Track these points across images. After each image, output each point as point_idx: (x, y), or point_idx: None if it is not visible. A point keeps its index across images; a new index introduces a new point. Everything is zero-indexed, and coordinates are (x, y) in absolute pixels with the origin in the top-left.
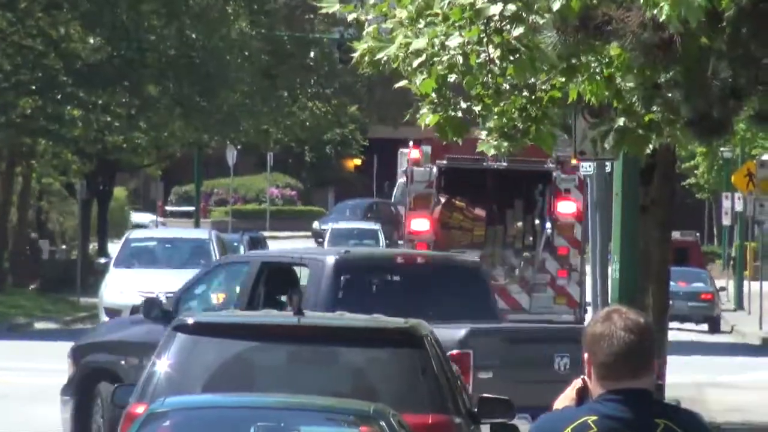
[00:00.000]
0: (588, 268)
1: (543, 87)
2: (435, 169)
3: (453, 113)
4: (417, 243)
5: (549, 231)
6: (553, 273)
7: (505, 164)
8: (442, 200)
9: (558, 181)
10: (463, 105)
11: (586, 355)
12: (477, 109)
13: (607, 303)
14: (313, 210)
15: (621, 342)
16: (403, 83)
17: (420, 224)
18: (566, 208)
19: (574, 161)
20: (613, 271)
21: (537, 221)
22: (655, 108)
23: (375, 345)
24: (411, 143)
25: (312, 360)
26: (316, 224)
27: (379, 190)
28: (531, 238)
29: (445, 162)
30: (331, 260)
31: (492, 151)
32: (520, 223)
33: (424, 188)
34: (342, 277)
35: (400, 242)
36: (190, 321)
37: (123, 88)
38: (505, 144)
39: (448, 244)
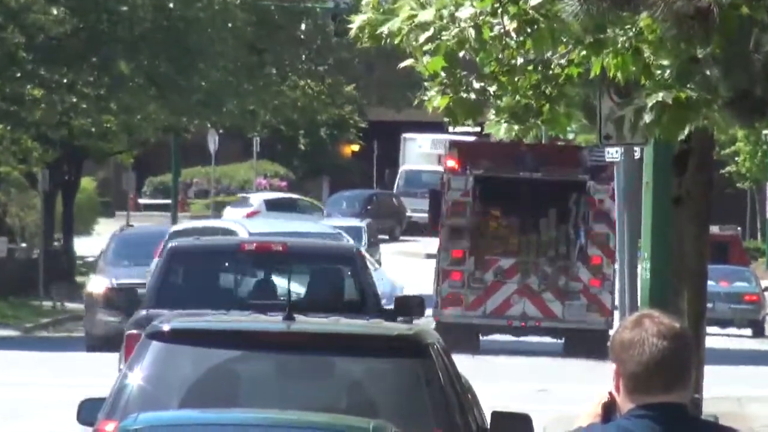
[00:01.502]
0: (615, 267)
1: (560, 62)
2: (471, 179)
3: (464, 95)
4: (452, 250)
5: (583, 240)
6: (585, 282)
7: (539, 174)
8: (478, 208)
9: (592, 191)
10: (476, 85)
11: (613, 366)
12: (491, 89)
13: (637, 307)
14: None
15: (653, 350)
16: (407, 62)
17: (455, 232)
18: (600, 217)
19: (608, 160)
20: (643, 270)
21: (571, 230)
22: (690, 86)
23: (375, 354)
24: (444, 148)
25: (304, 371)
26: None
27: (380, 180)
28: (564, 247)
29: (481, 171)
30: (168, 246)
31: (501, 134)
32: (554, 232)
33: (460, 196)
34: (176, 265)
35: (412, 240)
36: (166, 327)
37: (90, 65)
38: (516, 127)
39: (483, 250)
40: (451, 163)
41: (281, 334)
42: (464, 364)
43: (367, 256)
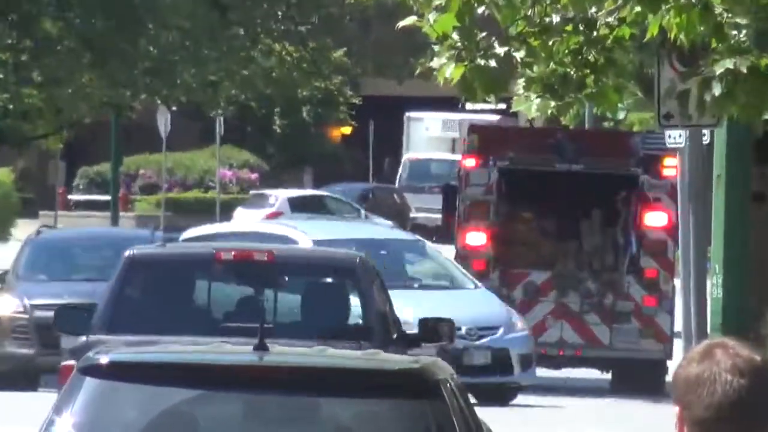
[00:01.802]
0: (677, 284)
1: (608, 21)
2: (495, 171)
3: (483, 62)
4: (473, 260)
5: (634, 249)
6: (638, 300)
7: (581, 166)
8: (503, 209)
9: (646, 187)
10: (499, 50)
11: (677, 409)
12: (518, 55)
13: (706, 334)
14: None
15: (728, 389)
16: (411, 20)
17: (475, 238)
18: (656, 220)
19: (669, 146)
20: (713, 287)
21: (619, 236)
22: None
23: (371, 393)
24: (459, 131)
25: (279, 415)
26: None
27: (378, 171)
28: (612, 257)
29: (507, 163)
30: (126, 254)
31: (533, 112)
32: (598, 239)
33: (482, 194)
34: (135, 278)
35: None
36: (104, 360)
37: (7, 24)
38: (552, 103)
39: (510, 261)
40: (471, 163)
41: (251, 369)
42: (486, 406)
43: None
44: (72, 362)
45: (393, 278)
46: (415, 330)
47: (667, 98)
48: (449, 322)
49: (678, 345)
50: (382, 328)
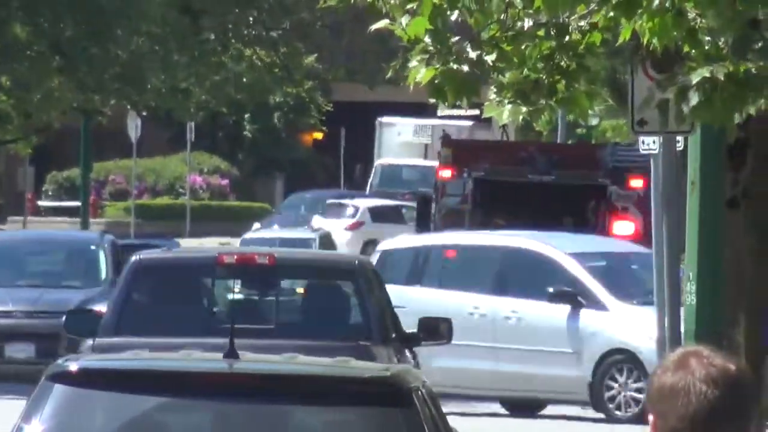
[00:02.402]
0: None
1: (579, 26)
2: (470, 182)
3: (455, 66)
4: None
5: None
6: None
7: (552, 177)
8: (478, 218)
9: (614, 197)
10: (471, 54)
11: (651, 417)
12: (490, 59)
13: (680, 342)
14: (253, 206)
15: (701, 400)
16: (383, 23)
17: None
18: (624, 228)
19: (643, 152)
20: (687, 294)
21: None
22: (748, 57)
23: (342, 402)
24: (431, 137)
25: (249, 423)
26: (256, 226)
27: (349, 177)
28: None
29: (482, 174)
30: (133, 259)
31: (505, 118)
32: None
33: (458, 203)
34: (140, 283)
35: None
36: (73, 367)
37: None
38: (523, 109)
39: None
40: (447, 174)
41: (220, 376)
42: (458, 419)
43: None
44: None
45: (644, 294)
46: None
47: (645, 107)
48: (448, 321)
49: (654, 353)
50: (381, 328)
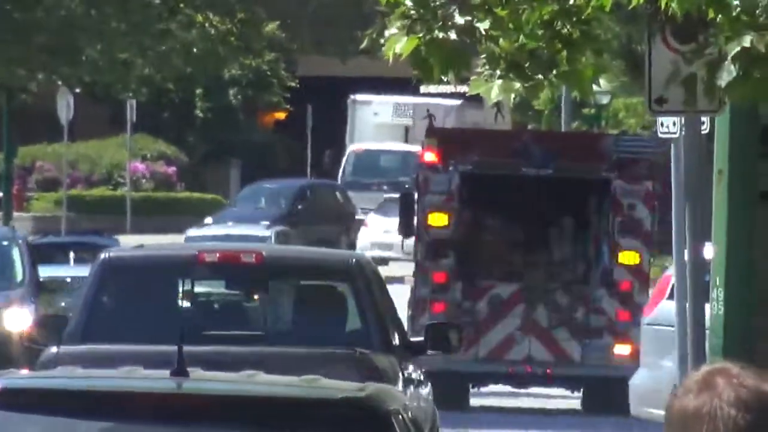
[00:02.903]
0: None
1: None
2: (457, 176)
3: (441, 34)
4: (433, 272)
5: (607, 259)
6: (611, 315)
7: (549, 170)
8: (466, 217)
9: (619, 193)
10: (459, 20)
11: None
12: (481, 26)
13: (705, 357)
14: (204, 198)
15: (731, 426)
16: None
17: (437, 250)
18: (630, 228)
19: (662, 135)
20: (713, 302)
21: (591, 246)
22: None
23: (310, 428)
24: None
25: None
26: (208, 221)
27: (317, 164)
28: (583, 269)
29: (470, 167)
30: (101, 257)
31: (494, 96)
32: (568, 249)
33: (442, 201)
34: (110, 283)
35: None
36: None
37: None
38: (517, 85)
39: (474, 273)
40: (430, 157)
41: (167, 398)
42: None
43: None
44: None
45: None
46: None
47: (662, 81)
48: (457, 327)
49: (674, 371)
50: (382, 334)
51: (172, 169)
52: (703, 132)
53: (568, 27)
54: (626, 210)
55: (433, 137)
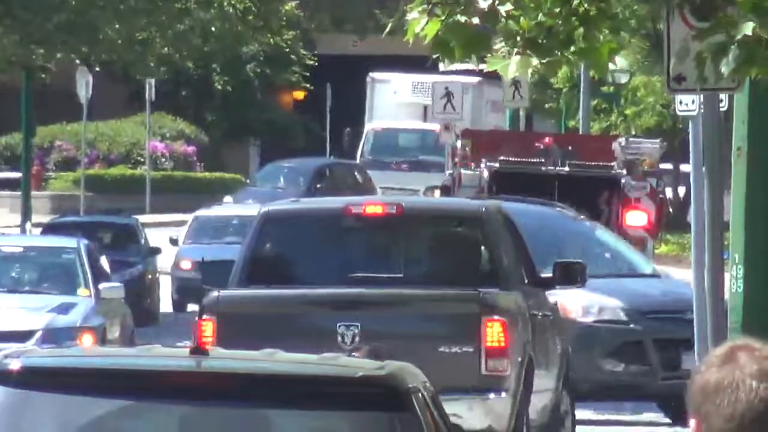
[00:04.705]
0: (685, 275)
1: None
2: (486, 173)
3: (462, 18)
4: None
5: None
6: None
7: (566, 169)
8: None
9: (627, 189)
10: (482, 3)
11: (692, 423)
12: (503, 9)
13: (725, 335)
14: (224, 177)
15: (752, 397)
16: None
17: None
18: (636, 219)
19: (680, 113)
20: (732, 279)
21: None
22: None
23: (329, 405)
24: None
25: (220, 430)
26: (228, 200)
27: (336, 143)
28: None
29: (497, 165)
30: (262, 210)
31: (512, 72)
32: None
33: (474, 195)
34: (270, 233)
35: None
36: (14, 365)
37: None
38: (534, 61)
39: None
40: (464, 155)
41: (187, 376)
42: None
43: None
44: (207, 317)
45: None
46: None
47: (680, 58)
48: (582, 264)
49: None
50: (508, 274)
51: (191, 148)
52: (721, 110)
53: (586, 4)
54: (633, 203)
55: (467, 138)
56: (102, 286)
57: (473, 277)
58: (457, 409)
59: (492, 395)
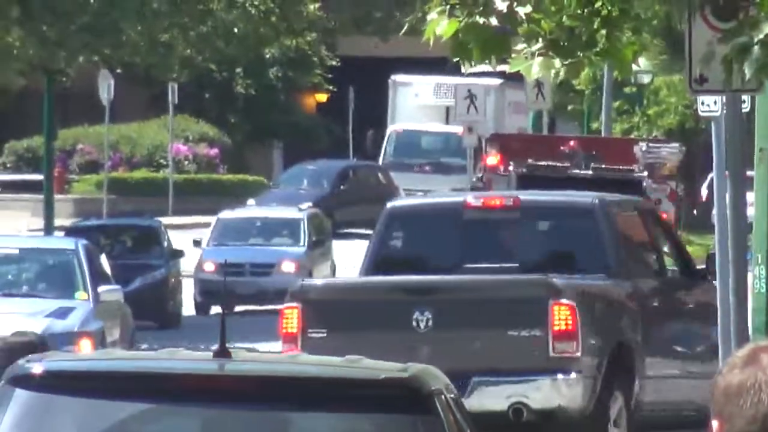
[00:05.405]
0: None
1: None
2: (514, 178)
3: (481, 19)
4: None
5: None
6: None
7: (590, 172)
8: None
9: (648, 191)
10: (501, 5)
11: (714, 424)
12: (523, 11)
13: (748, 336)
14: (247, 179)
15: None
16: None
17: None
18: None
19: (702, 114)
20: (755, 280)
21: None
22: None
23: (352, 407)
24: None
25: None
26: (251, 203)
27: (359, 145)
28: None
29: (524, 169)
30: (388, 206)
31: (535, 73)
32: None
33: None
34: (395, 227)
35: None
36: (37, 369)
37: None
38: (557, 63)
39: None
40: (493, 161)
41: (210, 379)
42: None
43: None
44: (292, 304)
45: None
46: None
47: (702, 60)
48: None
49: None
50: (619, 263)
51: (214, 151)
52: (744, 110)
53: (607, 5)
54: (654, 204)
55: (495, 143)
56: (101, 289)
57: (583, 265)
58: (526, 389)
59: (560, 376)
